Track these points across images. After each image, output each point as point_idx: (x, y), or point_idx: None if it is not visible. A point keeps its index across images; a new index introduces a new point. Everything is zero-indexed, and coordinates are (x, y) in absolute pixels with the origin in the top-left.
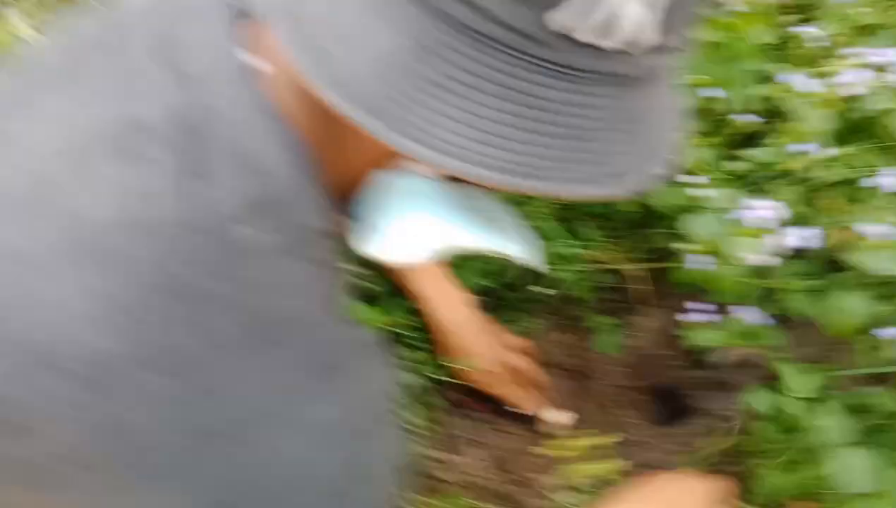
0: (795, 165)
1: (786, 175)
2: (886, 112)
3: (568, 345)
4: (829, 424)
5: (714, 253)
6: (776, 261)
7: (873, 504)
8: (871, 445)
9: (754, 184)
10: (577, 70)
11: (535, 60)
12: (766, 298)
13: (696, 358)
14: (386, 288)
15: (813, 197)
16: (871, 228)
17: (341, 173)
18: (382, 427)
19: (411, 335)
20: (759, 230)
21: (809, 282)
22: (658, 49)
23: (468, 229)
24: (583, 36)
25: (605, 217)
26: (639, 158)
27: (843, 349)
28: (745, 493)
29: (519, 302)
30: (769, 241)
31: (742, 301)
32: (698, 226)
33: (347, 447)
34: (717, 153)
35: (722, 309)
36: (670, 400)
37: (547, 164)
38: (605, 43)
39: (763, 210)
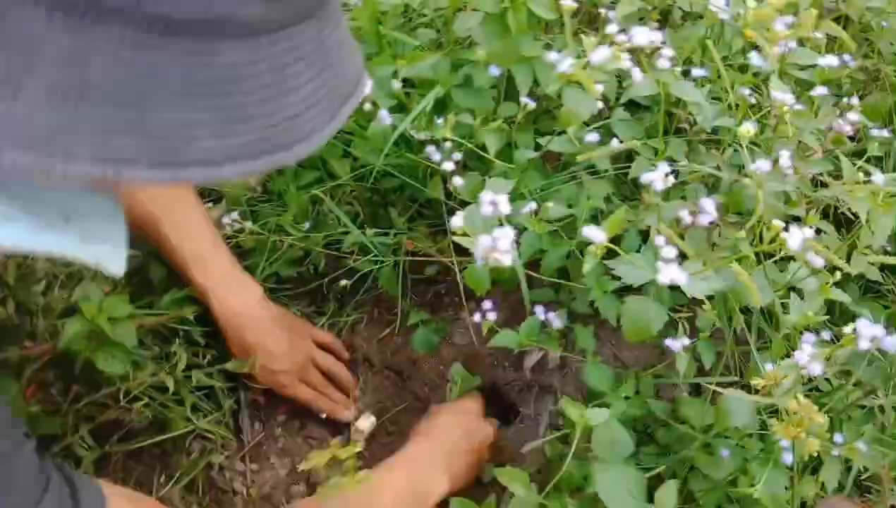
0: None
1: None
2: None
3: (383, 341)
4: (604, 436)
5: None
6: (507, 261)
7: None
8: (650, 450)
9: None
10: (95, 9)
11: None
12: (571, 299)
13: (519, 359)
14: (165, 278)
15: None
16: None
17: None
18: None
19: (198, 329)
20: (490, 223)
21: (609, 284)
22: None
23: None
24: None
25: (424, 204)
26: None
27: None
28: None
29: (326, 293)
30: (485, 242)
31: (543, 300)
32: (456, 225)
33: None
34: (517, 137)
35: (520, 309)
36: (495, 401)
37: (65, 136)
38: None
39: (489, 204)
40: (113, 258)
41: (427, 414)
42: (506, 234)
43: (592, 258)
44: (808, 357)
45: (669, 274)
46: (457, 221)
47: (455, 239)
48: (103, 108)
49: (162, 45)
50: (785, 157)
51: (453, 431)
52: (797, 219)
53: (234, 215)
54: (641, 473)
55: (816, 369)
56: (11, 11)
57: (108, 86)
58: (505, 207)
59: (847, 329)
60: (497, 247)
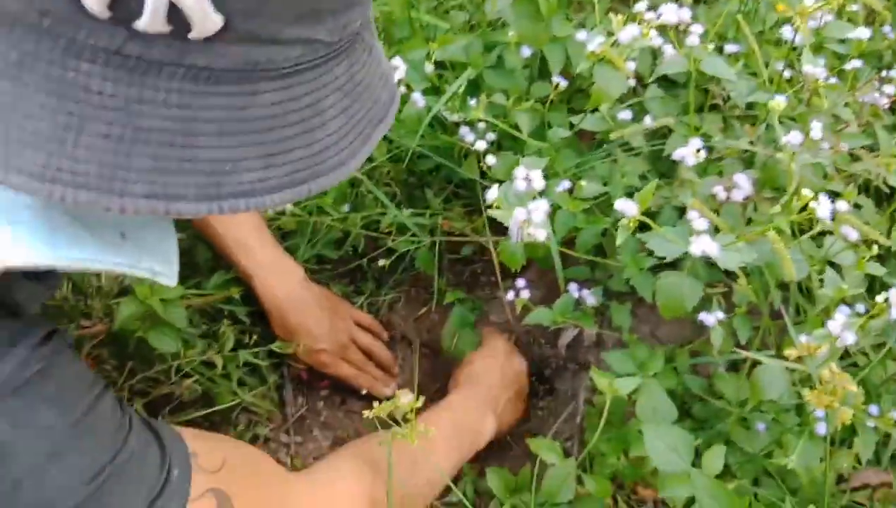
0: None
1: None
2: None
3: (420, 320)
4: (651, 398)
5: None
6: (542, 236)
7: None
8: (686, 426)
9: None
10: (145, 61)
11: (92, 49)
12: (607, 277)
13: (555, 336)
14: (211, 260)
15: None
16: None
17: None
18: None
19: (244, 310)
20: (524, 198)
21: (645, 261)
22: (241, 38)
23: (48, 241)
24: (144, 24)
25: (459, 185)
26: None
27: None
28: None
29: (365, 273)
30: (520, 214)
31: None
32: (491, 198)
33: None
34: (551, 116)
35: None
36: (533, 378)
37: (121, 174)
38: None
39: (523, 180)
40: (166, 270)
41: (461, 364)
42: (540, 207)
43: (625, 231)
44: (841, 326)
45: (701, 245)
46: (492, 194)
47: (490, 212)
48: (154, 149)
49: (206, 91)
50: (817, 129)
51: (489, 373)
52: (836, 195)
53: (252, 209)
54: (690, 435)
55: (849, 338)
56: (69, 66)
57: (158, 130)
58: (539, 182)
59: (880, 298)
60: (532, 220)
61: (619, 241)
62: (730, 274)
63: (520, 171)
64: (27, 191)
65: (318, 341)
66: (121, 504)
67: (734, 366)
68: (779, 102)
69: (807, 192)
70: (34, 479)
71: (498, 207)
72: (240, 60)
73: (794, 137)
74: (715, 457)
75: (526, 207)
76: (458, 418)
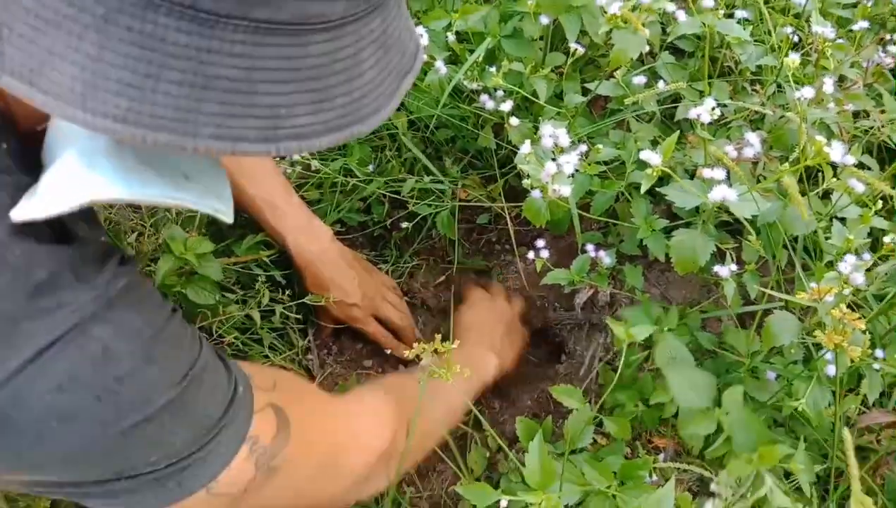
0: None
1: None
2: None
3: (439, 287)
4: (668, 348)
5: (540, 186)
6: (567, 192)
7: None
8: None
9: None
10: (215, 15)
11: (169, 4)
12: (619, 242)
13: (569, 300)
14: (241, 225)
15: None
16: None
17: (33, 121)
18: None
19: (278, 273)
20: (550, 154)
21: (657, 222)
22: None
23: (123, 180)
24: None
25: (475, 156)
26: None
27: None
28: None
29: (387, 242)
30: (550, 167)
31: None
32: (520, 160)
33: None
34: (566, 84)
35: (575, 247)
36: (545, 341)
37: (193, 117)
38: None
39: (549, 137)
40: (224, 208)
41: (462, 306)
42: (570, 159)
43: (649, 180)
44: (851, 266)
45: (720, 192)
46: (525, 148)
47: (520, 167)
48: (221, 95)
49: (265, 42)
50: (829, 84)
51: (478, 319)
52: None
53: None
54: (712, 376)
55: (858, 278)
56: (149, 19)
57: (224, 78)
58: (565, 139)
59: (887, 239)
60: (562, 172)
61: (643, 189)
62: (738, 235)
63: (546, 129)
64: (112, 134)
65: (350, 296)
66: (203, 404)
67: (742, 323)
68: (793, 60)
69: (820, 138)
70: (134, 378)
71: (528, 162)
72: (296, 14)
73: (806, 92)
74: (735, 396)
75: (557, 160)
76: (466, 363)
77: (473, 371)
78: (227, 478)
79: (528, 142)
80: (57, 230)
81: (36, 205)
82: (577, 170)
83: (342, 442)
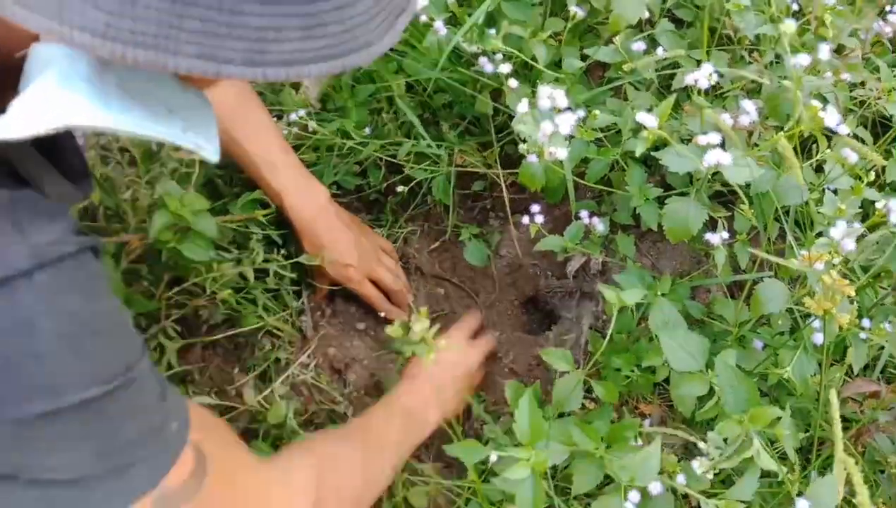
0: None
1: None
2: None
3: (433, 253)
4: (662, 312)
5: (537, 150)
6: (564, 154)
7: (700, 379)
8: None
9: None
10: None
11: None
12: (612, 211)
13: (562, 268)
14: (237, 184)
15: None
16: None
17: (8, 47)
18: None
19: (274, 232)
20: (548, 115)
21: (651, 191)
22: None
23: (103, 104)
24: None
25: (472, 122)
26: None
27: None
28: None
29: (384, 204)
30: (547, 127)
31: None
32: (517, 120)
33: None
34: (565, 50)
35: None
36: (538, 309)
37: (174, 34)
38: None
39: (547, 98)
40: (208, 146)
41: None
42: (567, 119)
43: (644, 143)
44: (842, 233)
45: (714, 156)
46: (522, 107)
47: (517, 127)
48: (202, 12)
49: None
50: (825, 51)
51: (442, 372)
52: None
53: (301, 113)
54: (705, 339)
55: (849, 245)
56: None
57: None
58: (562, 100)
59: (879, 204)
60: (559, 132)
61: (637, 152)
62: (730, 206)
63: (544, 90)
64: (90, 50)
65: (346, 256)
66: (120, 421)
67: (730, 294)
68: (790, 25)
69: (816, 102)
70: (53, 360)
71: (525, 122)
72: None
73: (802, 59)
74: (728, 358)
75: (553, 121)
76: (408, 413)
77: (415, 426)
78: None
79: (525, 100)
80: (9, 174)
81: (7, 125)
82: (572, 136)
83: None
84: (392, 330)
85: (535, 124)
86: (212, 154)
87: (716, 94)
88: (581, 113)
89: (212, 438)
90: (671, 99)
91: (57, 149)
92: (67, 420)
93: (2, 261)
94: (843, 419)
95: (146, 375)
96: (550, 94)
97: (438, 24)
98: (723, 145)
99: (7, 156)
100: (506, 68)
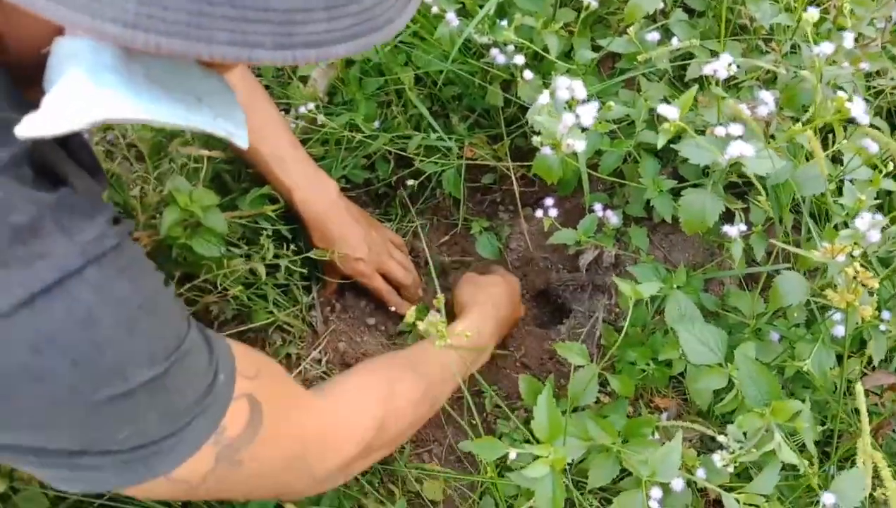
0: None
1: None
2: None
3: (442, 246)
4: (678, 305)
5: (552, 142)
6: (581, 147)
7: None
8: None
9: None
10: None
11: None
12: (624, 203)
13: (573, 261)
14: (245, 179)
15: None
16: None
17: (31, 45)
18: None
19: (284, 227)
20: (565, 106)
21: (665, 183)
22: None
23: (133, 96)
24: None
25: (482, 114)
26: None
27: (706, 251)
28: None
29: (393, 198)
30: (568, 119)
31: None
32: (532, 114)
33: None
34: (577, 41)
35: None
36: (549, 302)
37: (206, 22)
38: None
39: (565, 89)
40: (238, 132)
41: (464, 285)
42: (588, 110)
43: (665, 135)
44: (868, 224)
45: (737, 148)
46: (544, 98)
47: (535, 119)
48: None
49: None
50: (848, 40)
51: (495, 297)
52: (850, 121)
53: (310, 106)
54: (723, 332)
55: (874, 236)
56: None
57: None
58: (581, 92)
59: None
60: (580, 123)
61: (659, 145)
62: (743, 197)
63: (562, 81)
64: (123, 41)
65: (356, 250)
66: (181, 389)
67: (743, 286)
68: (812, 14)
69: (841, 93)
70: (114, 347)
71: (546, 114)
72: None
73: (824, 48)
74: (747, 351)
75: (574, 112)
76: (472, 340)
77: (477, 353)
78: (188, 466)
79: (546, 92)
80: (42, 172)
81: (42, 122)
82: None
83: (316, 442)
84: (409, 317)
85: (555, 116)
86: (242, 140)
87: (730, 84)
88: (595, 104)
89: (263, 382)
90: (692, 91)
91: (68, 145)
92: (135, 398)
93: (54, 264)
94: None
95: (195, 341)
96: (569, 85)
97: (450, 16)
98: (743, 135)
99: (42, 152)
100: (520, 60)
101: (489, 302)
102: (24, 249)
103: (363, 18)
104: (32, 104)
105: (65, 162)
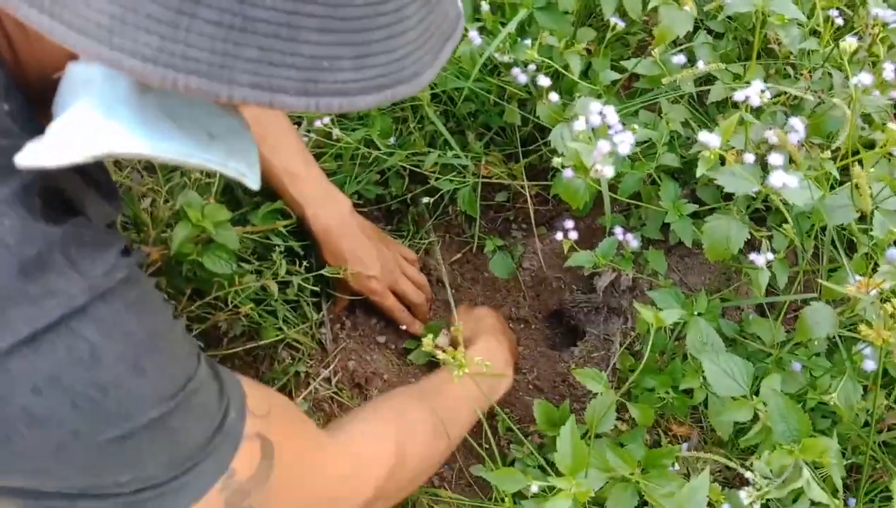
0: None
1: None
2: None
3: (454, 264)
4: (700, 333)
5: (576, 164)
6: (610, 172)
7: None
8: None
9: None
10: None
11: None
12: (640, 225)
13: (588, 282)
14: (256, 194)
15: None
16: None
17: (44, 68)
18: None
19: (296, 244)
20: (596, 133)
21: (685, 207)
22: None
23: (144, 132)
24: None
25: (498, 132)
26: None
27: (723, 276)
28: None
29: (405, 214)
30: (602, 146)
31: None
32: (556, 136)
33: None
34: (598, 62)
35: (598, 232)
36: (562, 324)
37: (230, 62)
38: None
39: (597, 114)
40: (251, 173)
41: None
42: (626, 139)
43: (706, 163)
44: None
45: (779, 178)
46: (579, 124)
47: (570, 144)
48: (261, 40)
49: None
50: (889, 71)
51: (502, 331)
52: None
53: (326, 120)
54: (748, 363)
55: None
56: None
57: (265, 21)
58: (613, 117)
59: None
60: (617, 152)
61: (699, 173)
62: (762, 223)
63: (594, 106)
64: (140, 76)
65: (368, 268)
66: (187, 429)
67: (761, 312)
68: (850, 44)
69: (892, 126)
70: (118, 388)
71: (578, 140)
72: None
73: (864, 78)
74: (773, 383)
75: (608, 139)
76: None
77: (491, 383)
78: None
79: (581, 118)
80: (53, 200)
81: (44, 151)
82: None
83: (329, 486)
84: (426, 345)
85: (590, 142)
86: (254, 182)
87: (751, 109)
88: (619, 127)
89: (275, 422)
90: (734, 117)
91: (84, 166)
92: (139, 439)
93: (60, 299)
94: (887, 445)
95: (205, 379)
96: (601, 110)
97: (473, 34)
98: (764, 166)
99: (55, 178)
100: (545, 81)
101: (492, 331)
102: (30, 284)
103: (391, 70)
104: (43, 129)
105: (79, 187)
